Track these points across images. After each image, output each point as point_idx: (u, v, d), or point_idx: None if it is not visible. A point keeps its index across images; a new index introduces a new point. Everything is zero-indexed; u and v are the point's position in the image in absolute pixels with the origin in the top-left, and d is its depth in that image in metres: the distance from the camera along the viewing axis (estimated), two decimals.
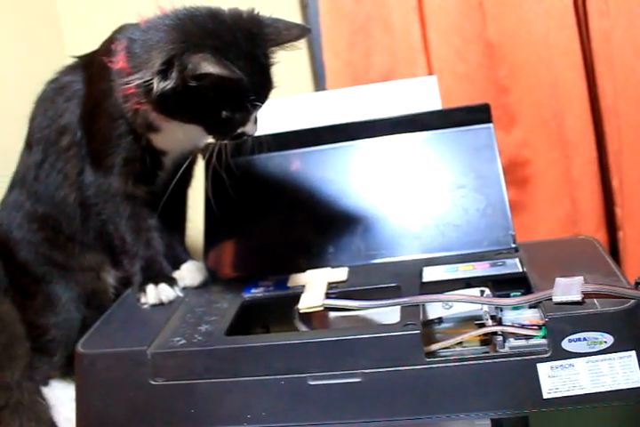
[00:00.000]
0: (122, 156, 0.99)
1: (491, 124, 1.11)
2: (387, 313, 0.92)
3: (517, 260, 0.99)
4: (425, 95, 1.23)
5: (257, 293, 1.01)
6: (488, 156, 1.10)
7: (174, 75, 0.84)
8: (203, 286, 1.06)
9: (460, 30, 1.42)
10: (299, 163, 1.16)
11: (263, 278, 1.05)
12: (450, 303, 0.91)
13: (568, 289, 0.83)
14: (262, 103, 0.91)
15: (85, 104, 1.03)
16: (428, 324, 0.93)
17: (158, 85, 0.85)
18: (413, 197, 1.11)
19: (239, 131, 0.93)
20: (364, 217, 1.11)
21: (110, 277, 1.15)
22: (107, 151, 0.99)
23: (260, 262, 1.11)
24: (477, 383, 0.80)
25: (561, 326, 0.79)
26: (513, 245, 1.04)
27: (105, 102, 0.98)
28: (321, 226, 1.12)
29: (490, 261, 0.99)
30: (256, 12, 0.93)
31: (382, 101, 1.25)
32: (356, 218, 1.11)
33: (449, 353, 0.90)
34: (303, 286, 0.99)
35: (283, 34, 0.91)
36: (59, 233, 1.11)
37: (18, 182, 1.14)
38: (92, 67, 1.03)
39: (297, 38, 0.92)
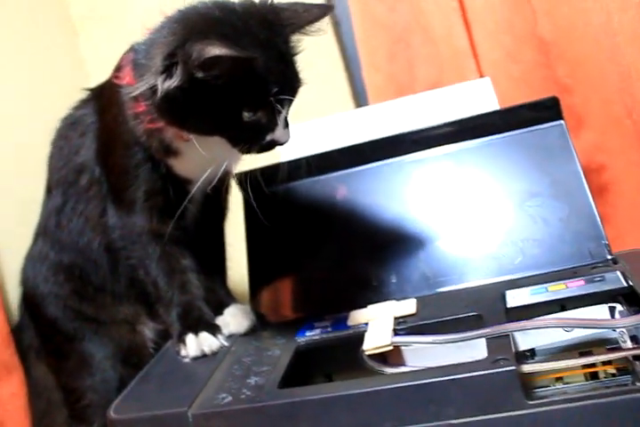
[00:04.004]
0: (142, 188, 0.89)
1: (562, 121, 0.99)
2: (471, 348, 0.77)
3: (619, 272, 0.83)
4: (480, 99, 1.09)
5: (313, 335, 0.87)
6: (564, 156, 0.97)
7: (179, 69, 0.74)
8: (250, 333, 0.94)
9: (509, 29, 1.29)
10: (345, 189, 1.04)
11: (319, 319, 0.92)
12: None
13: None
14: (289, 96, 0.80)
15: (100, 136, 0.94)
16: (521, 357, 0.78)
17: (163, 85, 0.75)
18: (483, 213, 0.97)
19: (268, 138, 0.81)
20: (429, 240, 0.98)
21: (148, 330, 1.04)
22: (126, 184, 0.89)
23: (315, 301, 0.99)
24: None
25: None
26: (609, 257, 0.88)
27: (118, 129, 0.88)
28: (379, 255, 0.99)
29: (585, 277, 0.84)
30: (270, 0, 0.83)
31: (433, 111, 1.11)
32: (418, 242, 0.98)
33: (550, 393, 0.75)
34: (366, 324, 0.86)
35: (302, 16, 0.81)
36: (87, 283, 1.02)
37: (41, 232, 1.07)
38: (103, 94, 0.95)
39: (318, 18, 0.82)
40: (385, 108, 1.15)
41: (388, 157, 1.03)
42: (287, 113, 0.82)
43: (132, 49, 0.86)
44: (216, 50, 0.71)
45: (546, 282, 0.86)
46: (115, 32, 1.50)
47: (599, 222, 0.91)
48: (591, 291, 0.81)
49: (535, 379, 0.76)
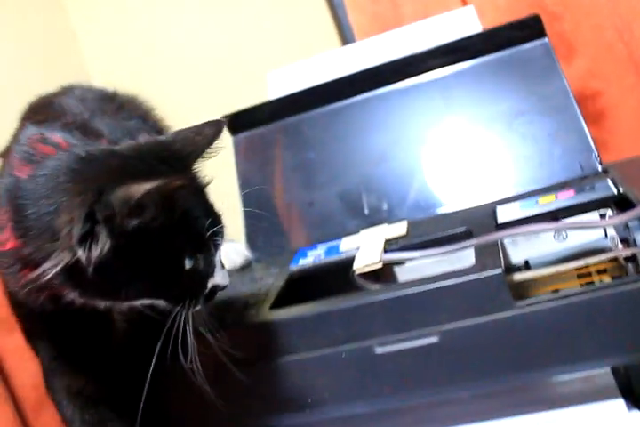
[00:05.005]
0: None
1: (545, 38, 0.96)
2: (462, 262, 0.77)
3: (609, 180, 0.81)
4: (465, 27, 1.07)
5: (306, 262, 0.86)
6: (550, 73, 0.94)
7: (103, 228, 0.58)
8: (247, 268, 0.94)
9: None
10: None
11: (313, 247, 0.91)
12: (564, 233, 0.77)
13: None
14: (219, 236, 0.66)
15: None
16: (514, 269, 0.77)
17: (90, 257, 0.58)
18: (471, 135, 0.96)
19: (210, 285, 0.66)
20: (419, 166, 0.96)
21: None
22: None
23: (308, 232, 0.97)
24: (588, 325, 0.64)
25: None
26: (600, 168, 0.87)
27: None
28: (370, 183, 0.98)
29: (574, 188, 0.82)
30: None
31: (419, 41, 1.09)
32: (409, 168, 0.97)
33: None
34: (358, 249, 0.85)
35: (196, 140, 0.66)
36: None
37: None
38: None
39: (214, 137, 0.67)
40: (368, 44, 1.13)
41: (373, 89, 1.01)
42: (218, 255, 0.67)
43: (9, 203, 0.63)
44: (141, 187, 0.57)
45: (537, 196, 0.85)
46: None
47: (588, 135, 0.89)
48: (582, 200, 0.79)
49: (531, 292, 0.75)
